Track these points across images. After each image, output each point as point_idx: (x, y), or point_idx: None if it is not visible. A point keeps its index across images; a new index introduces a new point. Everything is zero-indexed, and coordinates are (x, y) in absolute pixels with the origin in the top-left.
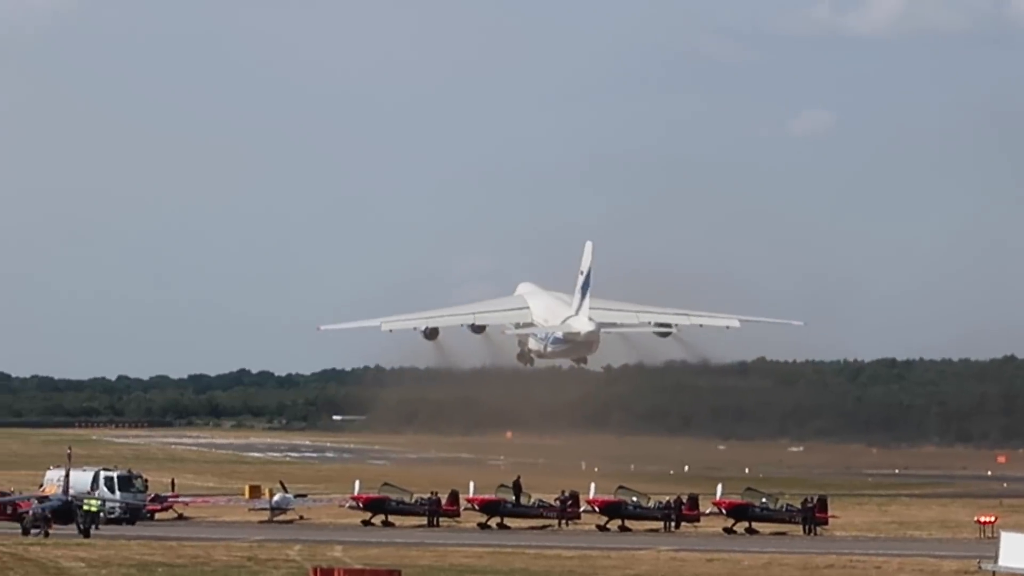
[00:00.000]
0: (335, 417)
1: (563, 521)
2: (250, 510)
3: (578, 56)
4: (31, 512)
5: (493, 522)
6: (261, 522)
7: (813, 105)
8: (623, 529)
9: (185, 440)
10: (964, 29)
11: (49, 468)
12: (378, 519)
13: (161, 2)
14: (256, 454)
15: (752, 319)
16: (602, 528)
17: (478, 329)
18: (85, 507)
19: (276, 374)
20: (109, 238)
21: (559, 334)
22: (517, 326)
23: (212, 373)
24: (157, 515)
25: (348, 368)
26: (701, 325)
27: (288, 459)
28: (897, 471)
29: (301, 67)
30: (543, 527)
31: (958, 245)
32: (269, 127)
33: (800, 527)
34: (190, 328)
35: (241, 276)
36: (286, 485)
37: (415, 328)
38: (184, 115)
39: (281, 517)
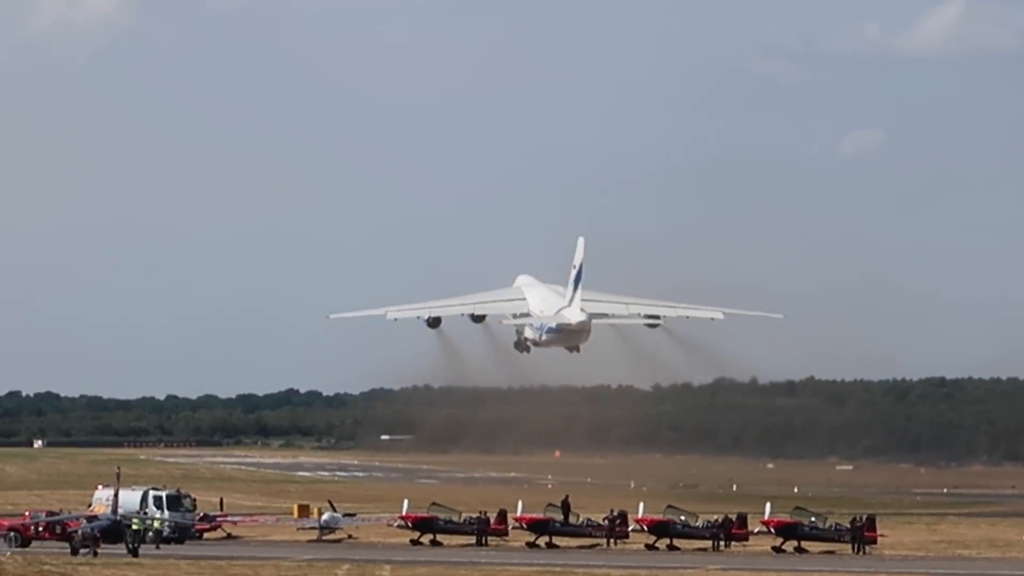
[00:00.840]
0: (383, 437)
1: (612, 540)
2: (299, 529)
3: (627, 71)
4: (80, 532)
5: (541, 541)
6: (310, 541)
7: (863, 124)
8: (671, 548)
9: (233, 459)
10: (1014, 47)
11: (98, 487)
12: (426, 538)
13: (207, 24)
14: (304, 473)
15: (735, 311)
16: (651, 547)
17: (478, 319)
18: (134, 526)
19: (324, 393)
20: (157, 258)
21: (553, 324)
22: (515, 316)
23: (260, 392)
24: (206, 535)
25: (396, 388)
26: (687, 316)
27: (336, 478)
28: (946, 490)
29: (329, 84)
30: (592, 546)
31: (1007, 263)
32: (314, 144)
33: (849, 546)
34: (239, 348)
35: (290, 296)
36: (335, 504)
37: (418, 317)
38: (231, 135)
39: (330, 536)
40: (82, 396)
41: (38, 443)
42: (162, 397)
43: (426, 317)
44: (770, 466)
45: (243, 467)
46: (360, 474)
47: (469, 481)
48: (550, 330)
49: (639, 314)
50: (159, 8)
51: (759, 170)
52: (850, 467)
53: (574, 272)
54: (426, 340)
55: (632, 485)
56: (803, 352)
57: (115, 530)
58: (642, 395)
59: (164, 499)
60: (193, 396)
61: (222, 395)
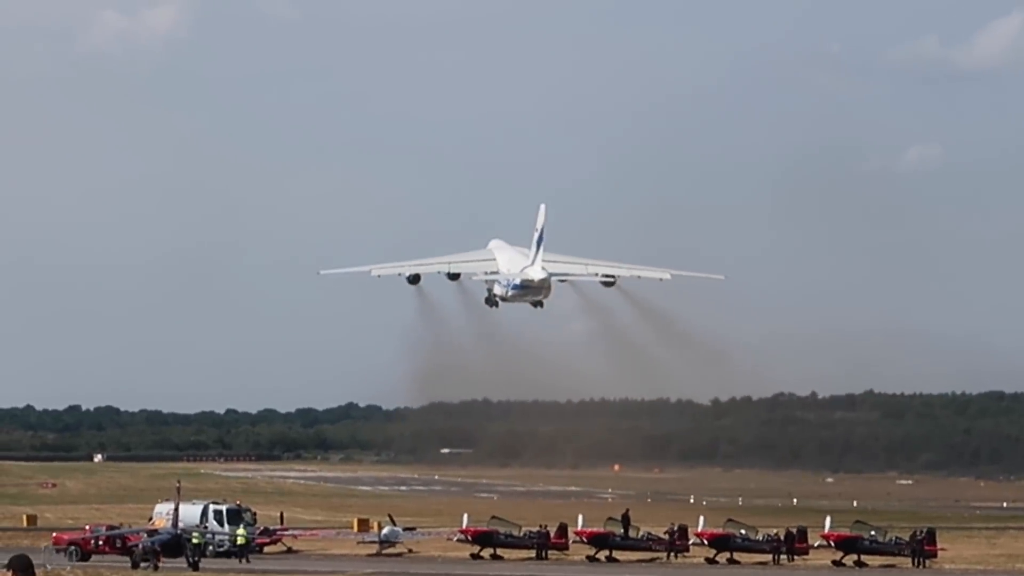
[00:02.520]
0: (443, 450)
1: (672, 554)
2: (359, 543)
3: (682, 83)
4: (140, 546)
5: (602, 555)
6: (370, 555)
7: (922, 139)
8: (732, 562)
9: (293, 473)
10: None
11: (158, 502)
12: (487, 552)
13: (265, 38)
14: (364, 487)
15: (681, 273)
16: (711, 561)
17: (453, 276)
18: (194, 540)
19: (384, 408)
20: (217, 273)
21: (517, 281)
22: (486, 274)
23: (320, 407)
24: (266, 548)
25: (456, 401)
26: (639, 276)
27: (396, 492)
28: (1005, 504)
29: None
30: (652, 560)
31: None
32: (374, 161)
33: (909, 560)
34: (298, 362)
35: (349, 310)
36: (394, 518)
37: (399, 274)
38: (288, 147)
39: (390, 550)
40: (142, 410)
41: (98, 457)
42: (222, 411)
43: (407, 274)
44: (829, 480)
45: (303, 481)
46: (420, 488)
47: (529, 495)
48: (515, 286)
49: (596, 273)
50: (217, 22)
51: (818, 185)
52: (910, 481)
53: (536, 235)
54: (407, 295)
55: (692, 499)
56: (862, 366)
57: (175, 544)
58: (701, 409)
59: (224, 513)
60: (253, 410)
61: (282, 409)
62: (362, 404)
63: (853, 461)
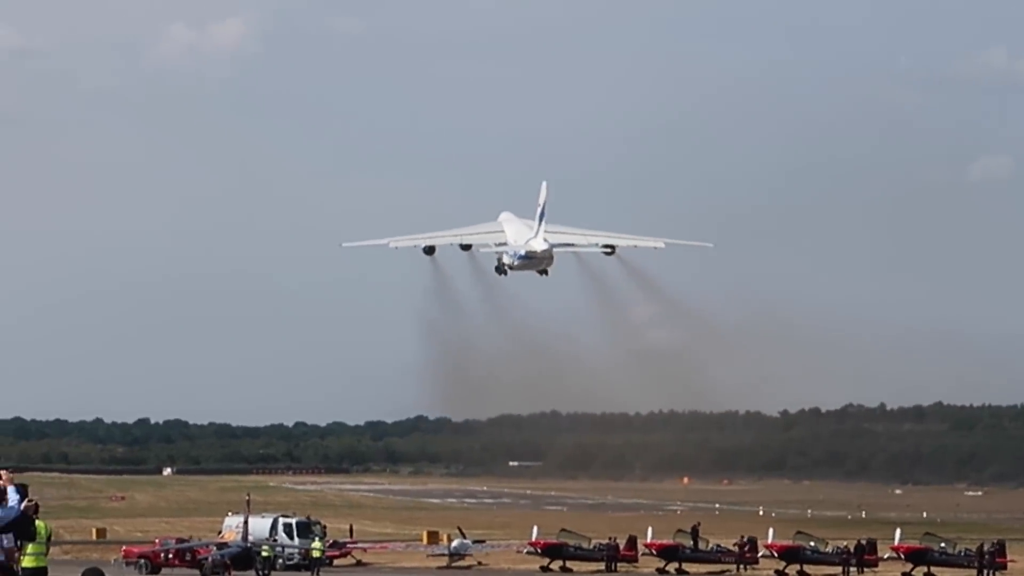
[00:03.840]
0: (511, 463)
1: (742, 566)
2: (428, 556)
3: (745, 95)
4: (210, 559)
5: (671, 567)
6: (440, 568)
7: (990, 150)
8: (801, 574)
9: (362, 486)
10: None
11: (227, 515)
12: (556, 565)
13: (332, 51)
14: (433, 500)
15: (673, 241)
16: (781, 573)
17: (466, 247)
18: (264, 553)
19: (453, 420)
20: (285, 286)
21: (523, 251)
22: (496, 245)
23: (389, 420)
24: (336, 561)
25: (524, 414)
26: (635, 246)
27: (465, 505)
28: None
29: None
30: (721, 572)
31: None
32: (436, 172)
33: (979, 572)
34: (367, 375)
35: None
36: (464, 531)
37: (415, 245)
38: (355, 159)
39: (459, 563)
40: (211, 423)
41: (167, 470)
42: (291, 424)
43: (423, 246)
44: (898, 492)
45: (372, 494)
46: (489, 500)
47: (598, 507)
48: (520, 256)
49: (597, 244)
50: (284, 36)
51: (884, 195)
52: (979, 492)
53: (539, 210)
54: (422, 265)
55: (761, 511)
56: (931, 377)
57: (245, 557)
58: (770, 421)
59: (294, 526)
60: (322, 423)
61: (350, 422)
62: (431, 417)
63: (922, 473)
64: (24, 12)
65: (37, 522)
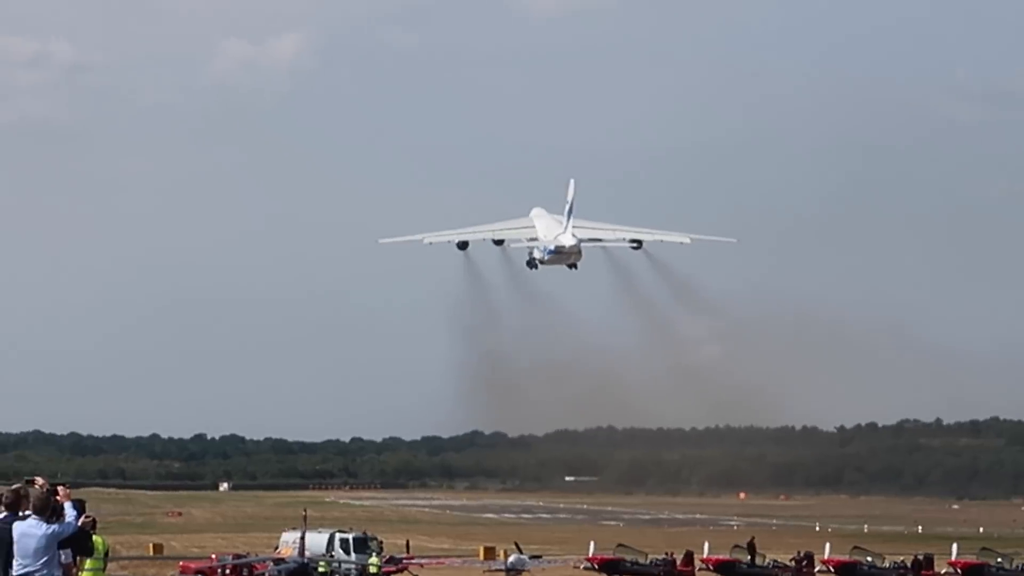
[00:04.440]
0: (568, 478)
1: None
2: (485, 571)
3: (800, 106)
4: (267, 574)
5: None
6: None
7: None
8: None
9: (418, 502)
10: None
11: (284, 530)
12: None
13: (387, 65)
14: (490, 515)
15: (699, 237)
16: None
17: (498, 242)
18: (321, 569)
19: (509, 435)
20: (340, 301)
21: (552, 246)
22: (528, 240)
23: (445, 435)
24: None
25: (581, 429)
26: (662, 241)
27: (521, 520)
28: None
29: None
30: None
31: None
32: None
33: None
34: (423, 390)
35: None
36: (520, 546)
37: (449, 241)
38: (410, 172)
39: None
40: (267, 439)
41: (223, 486)
42: (347, 439)
43: (456, 241)
44: (955, 506)
45: (428, 509)
46: (545, 516)
47: (654, 522)
48: (550, 251)
49: (624, 238)
50: (339, 50)
51: (943, 209)
52: None
53: (567, 206)
54: (456, 260)
55: (817, 526)
56: (987, 392)
57: (302, 573)
58: (826, 436)
59: (351, 542)
60: (378, 438)
61: (407, 437)
62: (487, 432)
63: (978, 487)
64: (80, 28)
65: (95, 538)
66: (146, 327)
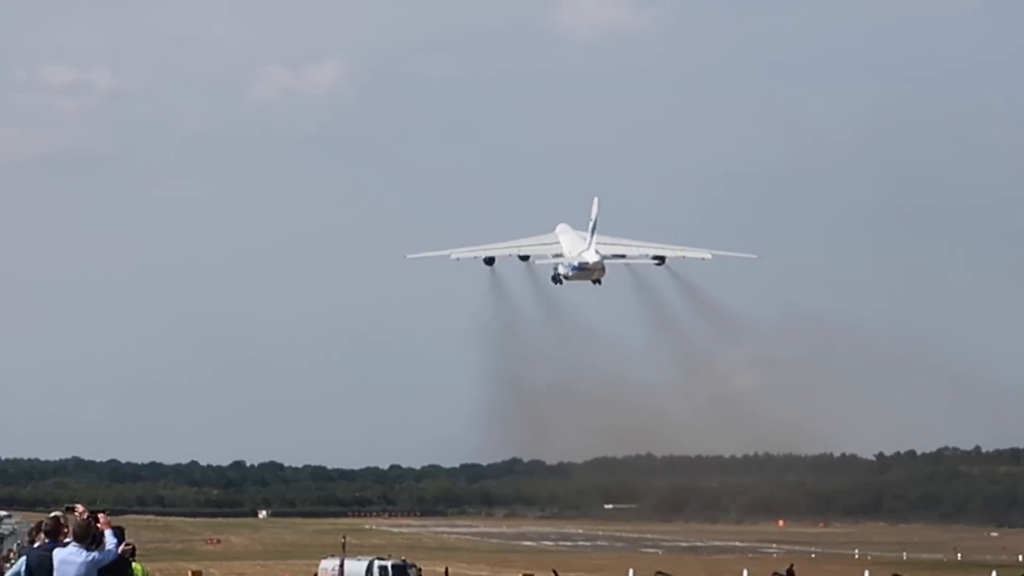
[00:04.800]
0: (607, 506)
1: None
2: None
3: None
4: None
5: None
6: None
7: None
8: None
9: (457, 529)
10: None
11: (323, 558)
12: None
13: (426, 94)
14: (528, 543)
15: (720, 253)
16: None
17: (524, 258)
18: None
19: (547, 463)
20: (378, 328)
21: (576, 263)
22: (553, 256)
23: (484, 462)
24: None
25: (619, 456)
26: (684, 256)
27: (560, 547)
28: None
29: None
30: None
31: None
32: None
33: None
34: (462, 418)
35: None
36: (559, 573)
37: (475, 256)
38: (450, 200)
39: None
40: (306, 466)
41: (262, 513)
42: (386, 467)
43: (483, 257)
44: (994, 534)
45: (467, 536)
46: (584, 543)
47: (693, 550)
48: (574, 268)
49: (647, 254)
50: (379, 77)
51: (985, 235)
52: None
53: (591, 224)
54: (482, 275)
55: (856, 553)
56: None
57: None
58: (865, 463)
59: (390, 569)
60: (417, 466)
61: (445, 465)
62: (526, 459)
63: (1018, 515)
64: (120, 55)
65: (134, 565)
66: (185, 354)
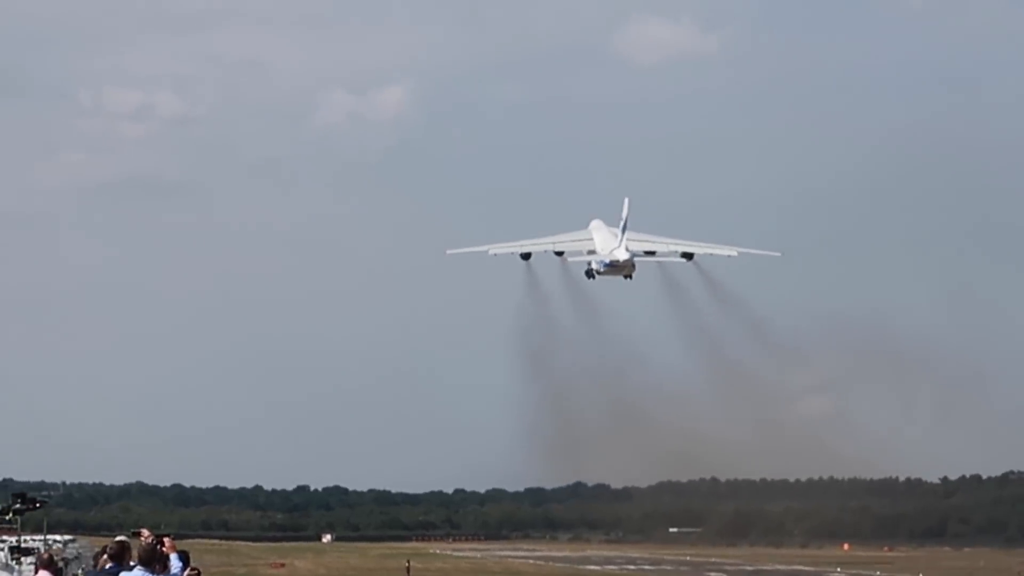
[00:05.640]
0: (671, 529)
1: None
2: None
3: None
4: None
5: None
6: None
7: None
8: None
9: (521, 553)
10: None
11: None
12: None
13: (494, 119)
14: (593, 567)
15: (745, 250)
16: None
17: (559, 254)
18: None
19: (612, 487)
20: (445, 353)
21: (607, 260)
22: (587, 252)
23: (548, 486)
24: None
25: (684, 480)
26: (711, 254)
27: (624, 571)
28: None
29: None
30: None
31: None
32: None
33: None
34: (526, 441)
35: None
36: None
37: (512, 252)
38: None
39: None
40: (371, 490)
41: (326, 537)
42: (450, 491)
43: (519, 252)
44: None
45: (531, 560)
46: (648, 567)
47: (757, 574)
48: (606, 264)
49: (676, 251)
50: (446, 102)
51: None
52: None
53: (622, 223)
54: (518, 269)
55: None
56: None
57: None
58: (930, 487)
59: None
60: (481, 490)
61: (510, 489)
62: (590, 483)
63: None
64: (185, 80)
65: None
66: (249, 378)
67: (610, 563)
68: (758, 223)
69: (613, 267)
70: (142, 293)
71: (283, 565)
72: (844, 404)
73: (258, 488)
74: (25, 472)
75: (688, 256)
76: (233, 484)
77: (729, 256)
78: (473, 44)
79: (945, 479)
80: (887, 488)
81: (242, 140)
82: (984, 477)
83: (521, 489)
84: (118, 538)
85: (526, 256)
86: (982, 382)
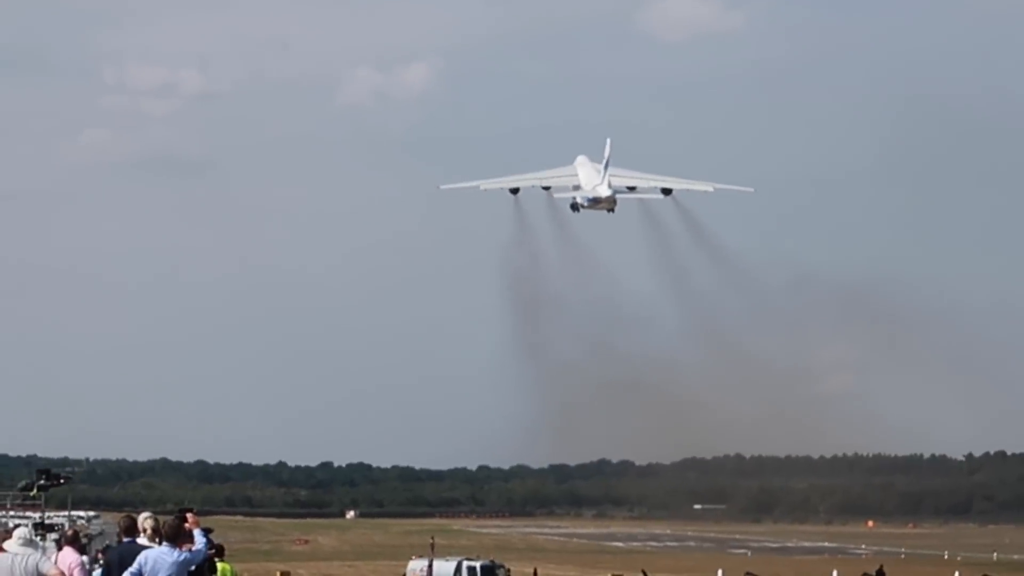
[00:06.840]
0: (696, 506)
1: None
2: None
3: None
4: None
5: None
6: None
7: None
8: None
9: (546, 530)
10: None
11: (411, 558)
12: None
13: (521, 96)
14: (617, 543)
15: (721, 186)
16: None
17: (546, 188)
18: None
19: (637, 463)
20: (468, 331)
21: (591, 195)
22: (572, 188)
23: (572, 463)
24: None
25: (708, 457)
26: (688, 189)
27: (649, 548)
28: None
29: None
30: None
31: None
32: None
33: None
34: (551, 419)
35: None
36: (648, 574)
37: (501, 187)
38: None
39: None
40: (394, 466)
41: (350, 514)
42: (474, 468)
43: (508, 187)
44: None
45: (556, 537)
46: (673, 544)
47: (782, 551)
48: (588, 199)
49: (656, 187)
50: (472, 79)
51: None
52: None
53: (604, 161)
54: (506, 204)
55: (946, 555)
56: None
57: None
58: (955, 464)
59: (478, 570)
60: (505, 466)
61: (534, 465)
62: (614, 460)
63: None
64: (208, 56)
65: (223, 565)
66: (273, 354)
67: (634, 539)
68: (786, 199)
69: (595, 202)
70: (166, 270)
71: (307, 541)
72: (868, 381)
73: (282, 464)
74: (49, 448)
75: (667, 191)
76: (257, 460)
77: (705, 191)
78: (499, 23)
79: (970, 456)
80: (912, 465)
81: (266, 117)
82: (1009, 454)
83: (546, 466)
84: (126, 512)
85: (514, 191)
86: (1007, 359)
